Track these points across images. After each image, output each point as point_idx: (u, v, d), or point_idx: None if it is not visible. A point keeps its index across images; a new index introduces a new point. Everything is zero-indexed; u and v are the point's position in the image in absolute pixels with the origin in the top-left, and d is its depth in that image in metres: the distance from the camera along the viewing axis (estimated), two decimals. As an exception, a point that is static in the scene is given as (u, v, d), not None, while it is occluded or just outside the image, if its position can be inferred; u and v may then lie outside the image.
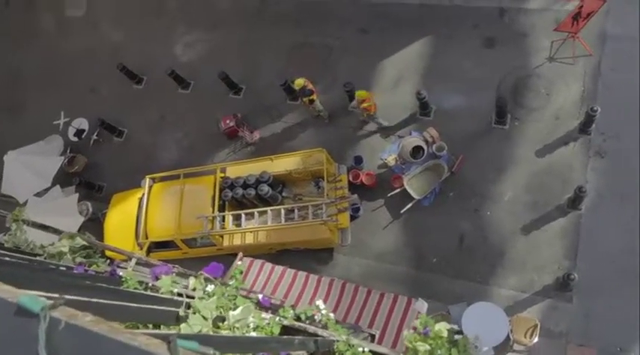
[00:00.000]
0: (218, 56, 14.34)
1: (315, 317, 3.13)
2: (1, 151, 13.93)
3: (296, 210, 10.47)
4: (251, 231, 10.80)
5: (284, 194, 11.56)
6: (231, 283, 2.85)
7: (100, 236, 12.35)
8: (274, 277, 9.33)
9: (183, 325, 2.12)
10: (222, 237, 11.10)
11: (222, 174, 11.67)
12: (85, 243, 3.53)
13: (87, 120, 14.88)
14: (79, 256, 3.37)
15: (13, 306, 1.19)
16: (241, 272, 3.36)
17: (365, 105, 11.21)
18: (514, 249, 10.41)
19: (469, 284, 10.41)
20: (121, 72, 14.44)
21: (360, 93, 11.13)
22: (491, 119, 11.35)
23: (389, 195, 11.25)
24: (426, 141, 11.23)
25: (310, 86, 11.62)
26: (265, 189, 10.87)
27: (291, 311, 3.03)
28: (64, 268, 2.90)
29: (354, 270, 11.22)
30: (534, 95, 11.40)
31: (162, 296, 2.47)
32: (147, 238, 11.53)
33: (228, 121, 12.87)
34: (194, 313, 2.25)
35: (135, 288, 2.73)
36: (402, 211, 11.06)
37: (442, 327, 2.88)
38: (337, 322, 3.30)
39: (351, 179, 11.37)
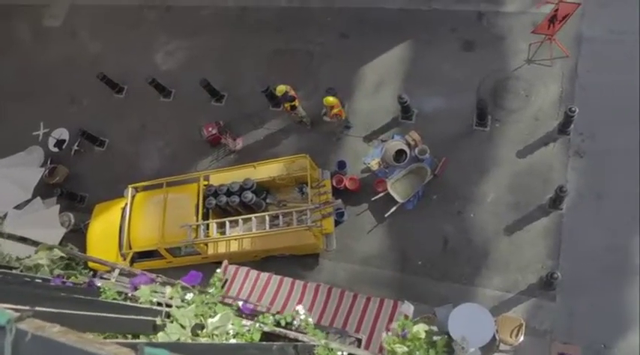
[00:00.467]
0: (199, 64, 14.30)
1: (294, 322, 3.12)
2: (-20, 163, 13.72)
3: (280, 217, 10.45)
4: (236, 239, 10.76)
5: (268, 201, 11.53)
6: (210, 291, 2.83)
7: (83, 247, 12.20)
8: (260, 284, 9.29)
9: (160, 334, 2.10)
10: (206, 245, 11.03)
11: (206, 182, 11.61)
12: (63, 254, 3.48)
13: (67, 131, 14.70)
14: (58, 268, 3.32)
15: (-22, 320, 1.17)
16: (220, 280, 3.35)
17: (335, 111, 11.32)
18: (498, 250, 10.50)
19: (454, 285, 10.47)
20: (101, 81, 14.30)
21: (327, 100, 11.21)
22: (473, 121, 11.46)
23: (373, 199, 11.28)
24: (409, 145, 11.30)
25: (292, 93, 11.64)
26: (249, 196, 10.84)
27: (271, 317, 3.02)
28: (39, 280, 2.86)
29: (339, 275, 11.22)
30: (514, 97, 11.55)
31: (141, 306, 2.45)
32: (130, 248, 11.41)
33: (210, 129, 12.82)
34: (172, 322, 2.23)
35: (113, 299, 2.70)
36: (386, 215, 11.10)
37: (420, 329, 2.89)
38: (316, 326, 3.30)
39: (334, 184, 11.39)
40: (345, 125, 12.22)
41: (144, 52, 15.10)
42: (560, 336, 9.57)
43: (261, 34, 14.17)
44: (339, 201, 11.09)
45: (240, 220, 10.64)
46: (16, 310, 1.24)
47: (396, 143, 11.36)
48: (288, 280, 9.20)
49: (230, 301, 5.11)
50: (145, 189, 12.18)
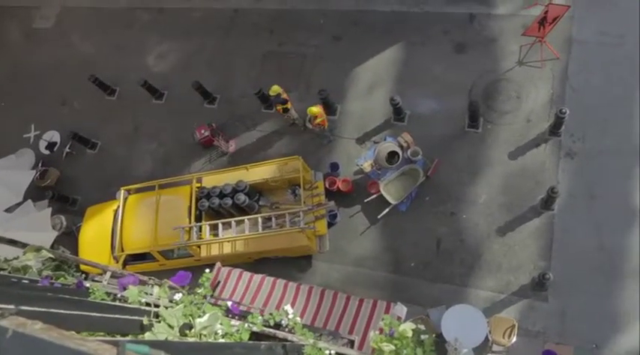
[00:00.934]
0: (191, 66, 14.29)
1: (282, 321, 3.11)
2: (-30, 166, 13.62)
3: (273, 219, 10.44)
4: (229, 241, 10.72)
5: (261, 202, 11.52)
6: (199, 291, 2.82)
7: (75, 250, 12.15)
8: (253, 286, 9.26)
9: (147, 333, 2.09)
10: (199, 247, 11.00)
11: (199, 184, 11.58)
12: (51, 255, 3.46)
13: (59, 133, 14.63)
14: (47, 269, 3.29)
15: (-41, 317, 1.16)
16: (209, 280, 3.33)
17: (318, 120, 11.34)
18: (490, 251, 10.54)
19: (447, 287, 10.50)
20: (93, 83, 14.25)
21: (311, 110, 11.22)
22: (465, 123, 11.51)
23: (366, 200, 11.30)
24: (401, 147, 11.32)
25: (285, 95, 11.65)
26: (242, 198, 10.82)
27: (260, 317, 3.01)
28: (27, 281, 2.83)
29: (332, 277, 11.22)
30: (505, 98, 11.61)
31: (130, 306, 2.44)
32: (123, 251, 11.35)
33: (203, 131, 12.80)
34: (159, 321, 2.22)
35: (102, 299, 2.69)
36: (379, 216, 11.11)
37: (407, 327, 2.90)
38: (307, 327, 3.29)
39: (327, 186, 11.39)
40: (325, 135, 12.18)
41: (136, 54, 15.06)
42: (552, 337, 9.61)
43: (253, 36, 14.17)
44: (332, 202, 11.09)
45: (233, 222, 10.62)
46: (1, 309, 1.23)
47: (389, 145, 11.38)
48: (281, 282, 9.18)
49: (221, 303, 5.10)
50: (138, 191, 12.13)
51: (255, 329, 2.88)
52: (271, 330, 3.00)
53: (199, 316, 2.38)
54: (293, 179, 11.10)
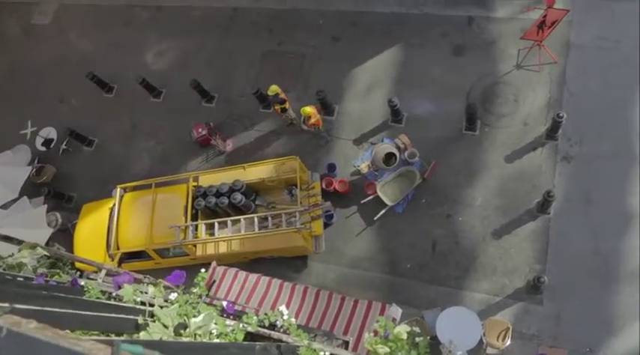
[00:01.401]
0: (190, 64, 14.27)
1: (277, 322, 3.11)
2: (-34, 162, 13.57)
3: (269, 218, 10.44)
4: (224, 240, 10.72)
5: (257, 202, 11.51)
6: (194, 290, 2.82)
7: (70, 247, 12.13)
8: (248, 285, 9.27)
9: (142, 333, 2.08)
10: (195, 246, 10.98)
11: (195, 183, 11.57)
12: (46, 252, 3.45)
13: (55, 130, 14.58)
14: (42, 266, 3.28)
15: (-47, 315, 1.15)
16: (204, 279, 3.33)
17: (313, 120, 11.35)
18: (486, 254, 10.55)
19: (442, 289, 10.51)
20: (90, 80, 14.21)
21: (305, 111, 11.21)
22: (462, 125, 11.53)
23: (362, 201, 11.30)
24: (398, 148, 11.33)
25: (283, 95, 11.64)
26: (238, 197, 10.81)
27: (255, 318, 3.01)
28: (21, 279, 2.82)
29: (328, 277, 11.22)
30: (503, 101, 11.63)
31: (125, 305, 2.43)
32: (118, 249, 11.34)
33: (200, 130, 12.78)
34: (154, 321, 2.21)
35: (97, 298, 2.68)
36: (375, 218, 11.12)
37: (401, 330, 2.90)
38: (302, 328, 3.29)
39: (324, 186, 11.39)
40: (323, 136, 12.18)
41: (134, 52, 15.03)
42: (546, 340, 9.64)
43: (252, 35, 14.16)
44: (329, 203, 11.08)
45: (229, 221, 10.61)
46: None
47: (386, 146, 11.39)
48: (276, 282, 9.19)
49: (216, 302, 5.09)
50: (134, 189, 12.12)
51: (250, 329, 2.88)
52: (266, 331, 2.99)
53: (194, 316, 2.38)
54: (290, 179, 11.10)
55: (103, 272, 7.64)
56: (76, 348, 1.09)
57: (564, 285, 9.87)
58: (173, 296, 2.57)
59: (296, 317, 8.79)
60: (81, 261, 7.35)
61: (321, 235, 11.05)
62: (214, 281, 9.26)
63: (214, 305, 2.80)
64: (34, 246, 3.40)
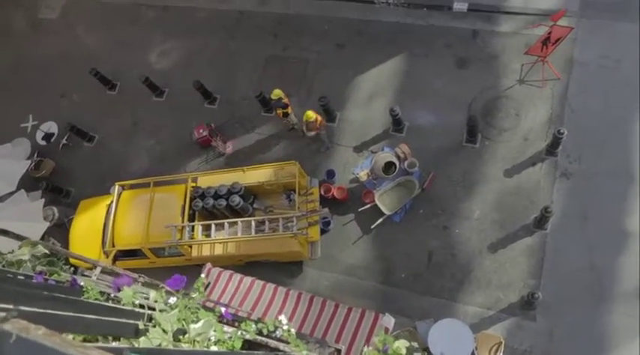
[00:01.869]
0: (193, 65, 14.30)
1: (277, 332, 3.11)
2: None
3: (267, 222, 10.44)
4: (220, 242, 10.71)
5: (255, 205, 11.51)
6: (194, 295, 2.82)
7: (66, 242, 12.09)
8: (243, 288, 9.25)
9: (142, 338, 2.09)
10: (190, 247, 10.97)
11: (194, 184, 11.56)
12: (47, 251, 3.45)
13: (56, 124, 14.60)
14: (40, 264, 3.28)
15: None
16: (204, 284, 3.33)
17: (319, 120, 11.34)
18: (481, 267, 10.56)
19: (436, 300, 10.51)
20: (94, 77, 14.23)
21: (308, 115, 11.19)
22: (463, 137, 11.56)
23: (360, 209, 11.32)
24: (398, 158, 11.35)
25: (286, 100, 11.66)
26: (236, 200, 10.81)
27: (253, 326, 3.01)
28: (22, 277, 2.82)
29: (322, 284, 11.21)
30: (504, 116, 11.67)
31: (124, 308, 2.43)
32: (114, 246, 11.32)
33: (201, 131, 12.79)
34: (154, 326, 2.21)
35: (96, 299, 2.68)
36: (372, 226, 11.12)
37: (401, 345, 2.91)
38: (298, 336, 3.29)
39: (322, 192, 11.40)
40: (323, 141, 12.15)
41: (139, 50, 15.06)
42: (538, 356, 9.64)
43: (257, 39, 14.20)
44: (326, 209, 11.10)
45: (226, 223, 10.62)
46: (1, 309, 1.22)
47: (386, 155, 11.41)
48: (270, 286, 9.18)
49: (212, 305, 5.07)
50: (132, 187, 12.11)
51: (248, 337, 2.88)
52: (264, 339, 2.99)
53: (193, 321, 2.38)
54: (289, 184, 11.11)
55: (98, 269, 7.63)
56: (84, 358, 1.10)
57: (558, 302, 9.88)
58: (172, 300, 2.57)
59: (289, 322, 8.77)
60: (76, 258, 7.30)
61: (317, 241, 11.06)
62: (209, 283, 9.25)
63: (212, 311, 2.80)
64: (35, 244, 3.40)
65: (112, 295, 2.92)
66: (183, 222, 10.91)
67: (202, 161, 13.18)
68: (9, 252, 3.43)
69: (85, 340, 2.22)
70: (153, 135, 13.87)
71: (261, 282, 9.28)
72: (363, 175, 11.58)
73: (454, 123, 11.74)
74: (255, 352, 2.67)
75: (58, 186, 13.58)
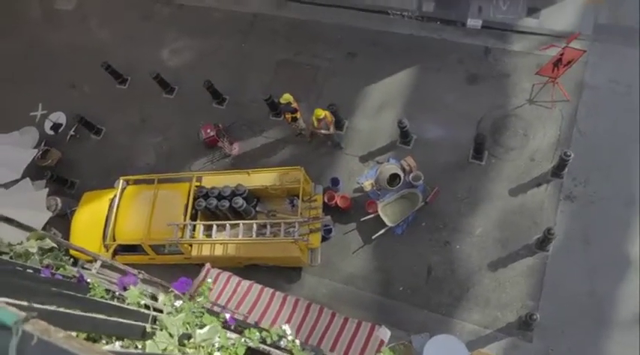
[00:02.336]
0: (205, 65, 14.34)
1: (281, 342, 3.10)
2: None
3: (268, 226, 10.45)
4: (221, 243, 10.72)
5: (258, 209, 11.52)
6: (199, 299, 2.82)
7: (67, 233, 12.12)
8: (240, 291, 9.23)
9: (149, 342, 2.09)
10: (191, 246, 10.98)
11: (198, 183, 11.58)
12: (54, 244, 3.46)
13: (65, 115, 14.66)
14: (47, 258, 3.29)
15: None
16: (210, 289, 3.34)
17: (329, 118, 11.34)
18: (480, 285, 10.53)
19: (433, 315, 10.48)
20: (105, 70, 14.29)
21: (318, 112, 11.20)
22: (469, 154, 11.56)
23: (362, 219, 11.31)
24: (404, 170, 11.35)
25: (295, 105, 11.68)
26: (240, 202, 10.82)
27: (257, 334, 3.01)
28: (30, 270, 2.82)
29: (320, 291, 11.19)
30: (512, 134, 11.67)
31: (129, 307, 2.43)
32: (114, 240, 11.33)
33: (209, 130, 12.81)
34: (161, 329, 2.21)
35: (102, 297, 2.68)
36: (373, 237, 11.11)
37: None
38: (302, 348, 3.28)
39: (326, 200, 11.40)
40: (336, 141, 12.21)
41: (151, 46, 15.12)
42: (532, 378, 9.58)
43: (270, 42, 14.25)
44: (329, 217, 11.10)
45: (227, 225, 10.64)
46: (16, 306, 1.22)
47: (392, 167, 11.41)
48: (268, 291, 9.15)
49: (214, 308, 5.07)
50: (137, 182, 12.14)
51: (251, 344, 2.87)
52: (266, 347, 2.99)
53: (196, 325, 2.37)
54: (293, 189, 11.11)
55: (98, 263, 7.63)
56: (104, 364, 1.10)
57: (556, 325, 9.84)
58: (177, 303, 2.58)
59: (284, 328, 8.75)
60: (77, 250, 7.31)
61: (317, 248, 11.05)
62: (209, 289, 9.22)
63: (217, 316, 2.80)
64: (42, 237, 3.41)
65: (117, 293, 2.93)
66: (185, 220, 10.92)
67: (208, 161, 13.20)
68: (17, 244, 3.44)
69: (87, 338, 2.23)
70: (160, 132, 13.91)
71: (259, 286, 9.26)
72: (367, 185, 11.57)
73: (462, 139, 11.74)
74: (259, 361, 2.69)
75: (63, 177, 13.62)
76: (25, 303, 1.41)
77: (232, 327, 3.27)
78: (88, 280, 3.10)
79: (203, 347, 2.25)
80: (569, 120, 11.53)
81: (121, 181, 11.93)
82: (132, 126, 14.18)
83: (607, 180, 10.77)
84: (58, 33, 16.43)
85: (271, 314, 8.87)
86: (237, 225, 10.57)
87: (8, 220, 4.73)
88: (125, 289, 2.74)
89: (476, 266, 10.68)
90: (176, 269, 11.25)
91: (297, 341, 3.22)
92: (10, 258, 3.14)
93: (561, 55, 10.75)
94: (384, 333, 8.48)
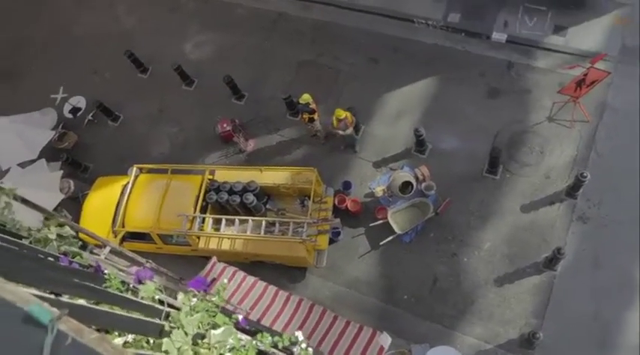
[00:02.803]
0: (226, 60, 14.40)
1: (294, 349, 3.12)
2: (-7, 115, 13.78)
3: (277, 224, 10.48)
4: (229, 238, 10.77)
5: (268, 206, 11.55)
6: (213, 298, 2.84)
7: (77, 216, 12.23)
8: (244, 287, 9.27)
9: (165, 339, 2.11)
10: (198, 238, 11.04)
11: (211, 177, 11.64)
12: (73, 232, 3.50)
13: (85, 99, 14.80)
14: (66, 244, 3.33)
15: (21, 312, 1.17)
16: (225, 288, 3.36)
17: (349, 120, 11.34)
18: (485, 299, 10.48)
19: (435, 326, 10.45)
20: (128, 59, 14.40)
21: (339, 112, 11.20)
22: (484, 167, 11.51)
23: (371, 224, 11.30)
24: (417, 178, 11.32)
25: (313, 106, 11.70)
26: (251, 198, 10.85)
27: (269, 338, 3.02)
28: (51, 259, 2.86)
29: (324, 293, 11.20)
30: (528, 151, 11.60)
31: (144, 302, 2.46)
32: (123, 227, 11.42)
33: (225, 125, 12.87)
34: (177, 328, 2.23)
35: (117, 288, 2.72)
36: (381, 243, 11.10)
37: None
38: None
39: (336, 203, 11.41)
40: (354, 143, 12.21)
41: (175, 38, 15.22)
42: (530, 397, 9.52)
43: (293, 42, 14.28)
44: (338, 220, 11.10)
45: (236, 220, 10.68)
46: (43, 299, 1.24)
47: (405, 174, 11.39)
48: (272, 288, 9.18)
49: (229, 307, 5.07)
50: (150, 171, 12.22)
51: (262, 347, 2.89)
52: (277, 352, 3.00)
53: (209, 324, 2.39)
54: (304, 189, 11.13)
55: (107, 249, 7.71)
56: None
57: (558, 345, 9.77)
58: (193, 301, 2.60)
59: (286, 327, 8.78)
60: (87, 234, 7.39)
61: (324, 250, 11.06)
62: (213, 279, 9.28)
63: (229, 316, 2.82)
64: (62, 224, 3.45)
65: (132, 286, 2.96)
66: (195, 212, 10.98)
67: (222, 155, 13.25)
68: (37, 229, 3.48)
69: (98, 330, 2.25)
70: (177, 123, 13.99)
71: (264, 283, 9.29)
72: (379, 191, 11.57)
73: (477, 152, 11.69)
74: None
75: (78, 161, 13.75)
76: (52, 296, 1.43)
77: (242, 328, 3.28)
78: (105, 271, 3.13)
79: (216, 347, 2.27)
80: (587, 141, 11.44)
81: (135, 169, 12.01)
82: (149, 115, 14.28)
83: (621, 204, 10.67)
84: (85, 18, 16.59)
85: (274, 312, 8.90)
86: (247, 221, 10.61)
87: (25, 201, 4.80)
88: (140, 282, 2.77)
89: (482, 280, 10.63)
90: (182, 260, 11.35)
91: (310, 350, 3.23)
92: (30, 242, 3.18)
93: (585, 75, 10.67)
94: (385, 340, 8.48)
